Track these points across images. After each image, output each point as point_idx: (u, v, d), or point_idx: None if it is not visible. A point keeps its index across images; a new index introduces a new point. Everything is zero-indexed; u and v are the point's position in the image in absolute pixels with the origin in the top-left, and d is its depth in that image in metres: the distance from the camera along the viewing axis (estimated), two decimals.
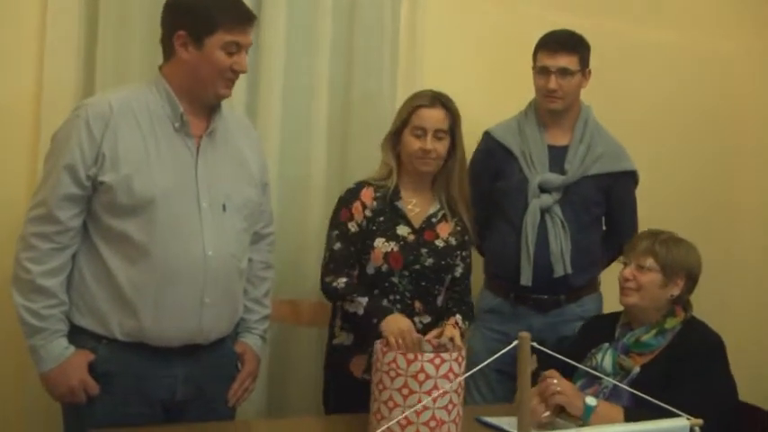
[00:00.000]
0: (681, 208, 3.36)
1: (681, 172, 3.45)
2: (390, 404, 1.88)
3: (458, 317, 2.41)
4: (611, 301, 2.67)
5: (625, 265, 2.34)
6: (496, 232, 2.79)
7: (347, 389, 2.39)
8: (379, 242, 2.39)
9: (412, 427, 1.85)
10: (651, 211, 3.12)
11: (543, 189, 2.71)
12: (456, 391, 1.90)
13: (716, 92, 3.49)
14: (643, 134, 3.28)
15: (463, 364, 1.92)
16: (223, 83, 2.06)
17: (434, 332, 2.24)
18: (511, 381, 2.72)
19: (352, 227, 2.42)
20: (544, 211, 2.70)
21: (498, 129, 2.83)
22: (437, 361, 1.87)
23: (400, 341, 2.12)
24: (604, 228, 2.86)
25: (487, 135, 2.83)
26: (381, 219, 2.43)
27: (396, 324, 2.21)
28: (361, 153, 2.73)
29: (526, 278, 2.69)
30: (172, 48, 2.05)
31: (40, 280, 1.98)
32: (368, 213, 2.42)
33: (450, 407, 1.88)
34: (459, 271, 2.50)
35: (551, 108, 2.74)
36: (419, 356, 1.87)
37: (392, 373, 1.88)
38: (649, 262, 2.28)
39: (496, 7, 3.13)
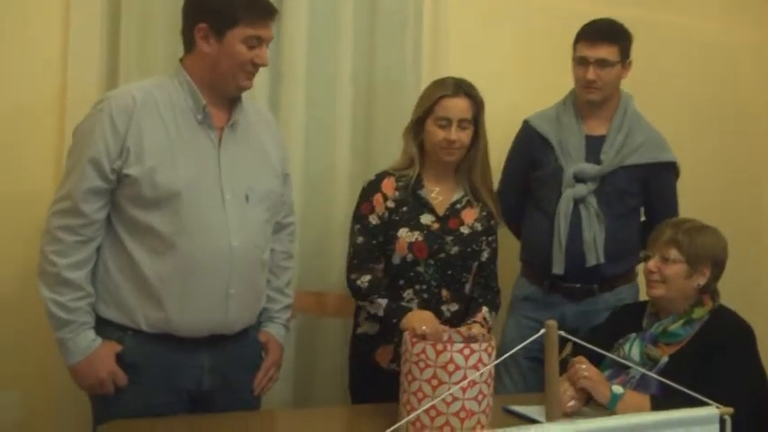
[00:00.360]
0: (707, 194, 3.33)
1: (701, 157, 3.38)
2: (420, 395, 1.87)
3: (484, 311, 2.40)
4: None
5: (648, 257, 2.32)
6: (531, 220, 2.80)
7: (373, 379, 2.41)
8: (403, 232, 2.38)
9: (441, 418, 1.84)
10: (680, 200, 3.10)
11: (578, 179, 2.70)
12: (486, 382, 1.89)
13: (729, 78, 3.45)
14: (678, 124, 3.22)
15: (493, 354, 1.91)
16: (244, 75, 2.07)
17: (463, 328, 2.22)
18: (542, 367, 2.72)
19: (374, 219, 2.41)
20: (578, 201, 2.69)
21: (536, 118, 2.82)
22: (466, 351, 1.86)
23: (424, 328, 2.11)
24: (644, 218, 2.83)
25: (526, 124, 2.83)
26: (405, 209, 2.41)
27: (418, 317, 2.21)
28: (385, 143, 2.73)
29: (558, 267, 2.69)
30: (193, 40, 2.06)
31: (66, 273, 1.99)
32: (390, 204, 2.41)
33: (479, 397, 1.88)
34: (485, 256, 2.49)
35: (589, 99, 2.72)
36: (448, 347, 1.86)
37: (421, 364, 1.87)
38: (673, 253, 2.26)
39: None
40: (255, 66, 2.07)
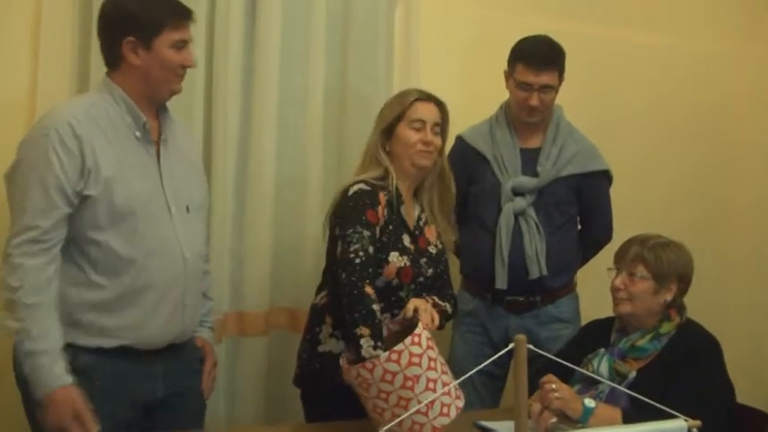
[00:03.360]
0: (675, 209, 3.37)
1: (674, 172, 3.45)
2: (379, 410, 1.94)
3: (435, 298, 2.35)
4: (587, 302, 2.74)
5: (616, 273, 2.31)
6: (471, 235, 2.76)
7: (329, 395, 2.29)
8: (394, 256, 2.28)
9: (407, 422, 1.91)
10: (645, 213, 3.13)
11: (517, 192, 2.71)
12: (430, 368, 1.92)
13: (709, 94, 3.49)
14: (634, 136, 3.31)
15: (423, 336, 1.94)
16: (176, 79, 2.12)
17: (399, 316, 2.20)
18: (496, 382, 2.76)
19: (377, 232, 2.26)
20: (518, 215, 2.69)
21: (470, 133, 2.82)
22: (394, 356, 1.90)
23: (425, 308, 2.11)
24: (579, 228, 2.86)
25: (460, 139, 2.81)
26: (391, 227, 2.30)
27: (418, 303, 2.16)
28: (356, 155, 2.62)
29: (501, 282, 2.68)
30: (120, 55, 2.07)
31: (31, 298, 1.93)
32: (381, 222, 2.28)
33: (431, 385, 1.91)
34: (440, 268, 2.43)
35: (530, 121, 2.73)
36: (376, 362, 1.91)
37: (364, 385, 1.94)
38: (640, 270, 2.26)
39: (481, 10, 3.11)
40: (184, 68, 2.12)
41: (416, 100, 2.35)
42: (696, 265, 2.33)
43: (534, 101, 2.66)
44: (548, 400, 2.12)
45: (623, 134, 3.27)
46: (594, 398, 2.19)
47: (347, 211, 2.25)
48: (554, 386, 2.12)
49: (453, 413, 1.95)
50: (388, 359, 1.91)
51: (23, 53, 2.52)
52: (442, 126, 2.38)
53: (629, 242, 2.35)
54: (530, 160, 2.74)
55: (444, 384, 1.95)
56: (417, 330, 1.96)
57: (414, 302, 2.16)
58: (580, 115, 2.86)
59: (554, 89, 2.68)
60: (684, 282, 2.30)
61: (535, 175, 2.72)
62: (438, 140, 2.35)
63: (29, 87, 2.52)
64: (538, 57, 2.64)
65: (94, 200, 1.98)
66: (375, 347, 2.03)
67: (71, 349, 1.99)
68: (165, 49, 2.06)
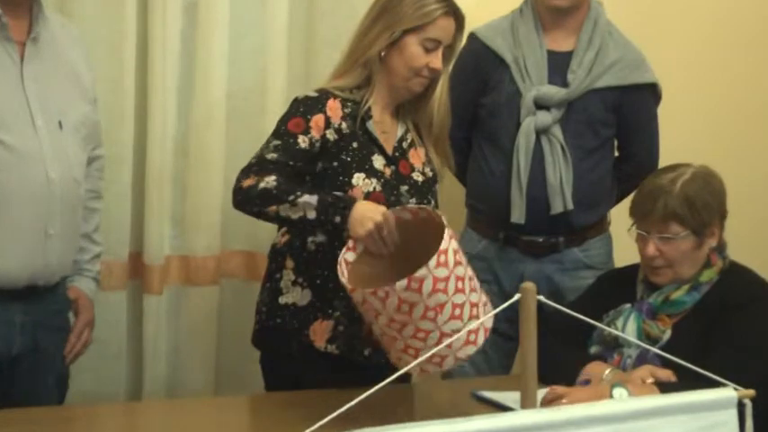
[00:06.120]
0: (718, 131, 3.37)
1: (734, 96, 3.42)
2: (421, 335, 1.95)
3: None
4: (622, 245, 2.63)
5: (643, 236, 2.26)
6: (481, 158, 2.74)
7: (293, 359, 2.29)
8: (359, 179, 2.27)
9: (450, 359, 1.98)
10: (690, 142, 3.06)
11: (540, 105, 2.65)
12: (460, 278, 1.95)
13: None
14: (686, 46, 3.27)
15: (451, 249, 1.95)
16: None
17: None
18: (506, 342, 2.71)
19: (303, 142, 2.25)
20: (540, 133, 2.64)
21: (486, 29, 2.76)
22: (414, 284, 1.89)
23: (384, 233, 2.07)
24: (616, 154, 2.82)
25: (473, 37, 2.74)
26: (355, 145, 2.29)
27: (372, 210, 2.10)
28: (329, 62, 2.60)
29: (518, 214, 2.65)
30: None
31: None
32: (331, 135, 2.27)
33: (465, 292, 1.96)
34: (432, 207, 2.35)
35: (556, 5, 2.66)
36: (390, 291, 1.90)
37: (372, 312, 1.98)
38: (674, 229, 2.22)
39: None
40: None
41: (444, 14, 2.29)
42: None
43: None
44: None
45: (672, 44, 3.21)
46: (620, 365, 2.18)
47: (278, 122, 2.30)
48: (564, 401, 2.03)
49: (481, 339, 1.97)
50: (408, 287, 1.88)
51: None
52: (453, 46, 2.35)
53: (648, 192, 2.28)
54: (559, 66, 2.68)
55: (472, 306, 1.95)
56: (443, 246, 1.91)
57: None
58: (618, 22, 2.79)
59: None
60: (724, 216, 2.29)
61: (565, 84, 2.67)
62: (441, 65, 2.31)
63: None
64: None
65: None
66: (295, 200, 2.12)
67: None
68: None
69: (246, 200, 2.20)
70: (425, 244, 1.95)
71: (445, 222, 2.01)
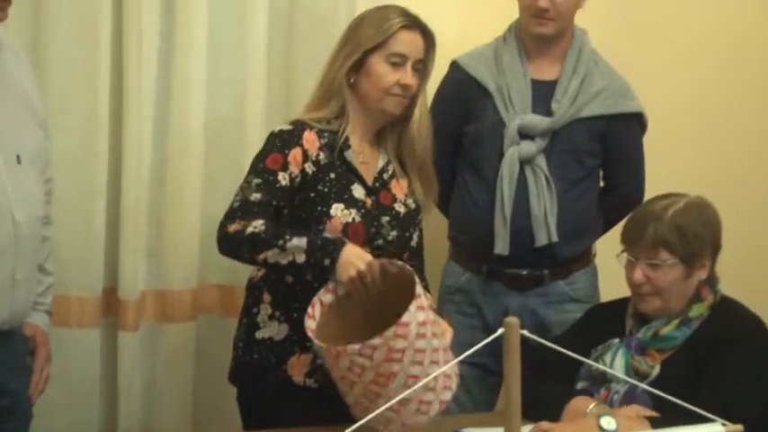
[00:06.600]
0: (710, 169, 3.38)
1: (718, 128, 3.46)
2: (371, 395, 1.97)
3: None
4: (608, 277, 2.67)
5: (632, 262, 2.26)
6: (465, 189, 2.74)
7: (271, 395, 2.29)
8: (337, 209, 2.27)
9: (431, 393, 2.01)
10: (676, 173, 3.08)
11: (524, 134, 2.66)
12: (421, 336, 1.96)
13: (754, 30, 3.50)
14: (670, 80, 3.29)
15: (423, 297, 1.99)
16: None
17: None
18: (489, 376, 2.73)
19: (283, 179, 2.26)
20: (524, 163, 2.65)
21: (469, 57, 2.77)
22: (401, 330, 1.90)
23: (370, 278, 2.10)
24: (602, 184, 2.83)
25: (455, 65, 2.76)
26: (332, 176, 2.30)
27: (357, 254, 2.13)
28: (307, 93, 2.63)
29: (502, 245, 2.64)
30: None
31: None
32: (309, 168, 2.28)
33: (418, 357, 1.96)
34: (415, 240, 2.40)
35: (539, 32, 2.66)
36: (377, 344, 1.90)
37: (356, 370, 1.95)
38: (662, 255, 2.22)
39: None
40: None
41: (403, 27, 2.29)
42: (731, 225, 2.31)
43: (543, 1, 2.60)
44: None
45: (656, 77, 3.24)
46: (607, 400, 2.18)
47: (255, 158, 2.30)
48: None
49: (434, 411, 2.02)
50: (360, 352, 1.90)
51: None
52: (425, 62, 2.33)
53: (639, 219, 2.29)
54: (543, 94, 2.69)
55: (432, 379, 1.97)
56: (405, 318, 1.92)
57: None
58: (603, 51, 2.82)
59: None
60: (717, 249, 2.28)
61: (549, 113, 2.67)
62: (416, 83, 2.30)
63: None
64: None
65: None
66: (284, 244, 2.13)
67: None
68: None
69: (234, 246, 2.21)
70: (405, 301, 1.97)
71: (420, 292, 2.01)
